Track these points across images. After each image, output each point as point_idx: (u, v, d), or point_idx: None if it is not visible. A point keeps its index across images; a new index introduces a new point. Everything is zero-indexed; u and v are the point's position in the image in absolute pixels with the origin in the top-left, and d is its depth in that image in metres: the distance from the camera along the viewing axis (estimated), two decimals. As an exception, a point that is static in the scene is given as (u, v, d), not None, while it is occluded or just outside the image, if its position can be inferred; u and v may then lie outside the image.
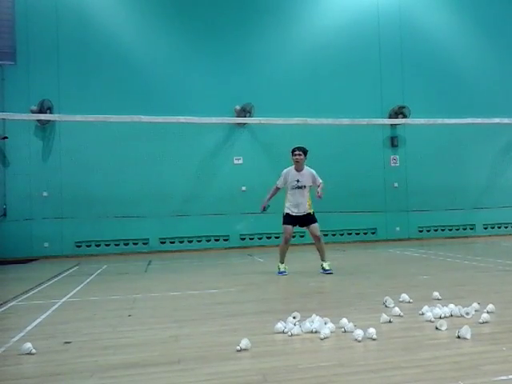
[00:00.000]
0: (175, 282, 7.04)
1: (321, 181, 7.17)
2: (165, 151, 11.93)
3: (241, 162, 12.51)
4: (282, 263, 7.26)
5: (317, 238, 7.18)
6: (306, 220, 7.15)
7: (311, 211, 7.16)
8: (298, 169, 7.14)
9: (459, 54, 13.97)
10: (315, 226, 7.14)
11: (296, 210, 7.12)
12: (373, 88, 13.19)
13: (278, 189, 7.28)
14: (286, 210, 7.16)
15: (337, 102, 12.59)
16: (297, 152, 7.09)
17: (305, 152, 7.13)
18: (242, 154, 12.50)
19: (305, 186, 7.10)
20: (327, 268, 7.10)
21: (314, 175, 7.19)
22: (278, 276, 7.03)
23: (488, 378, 2.69)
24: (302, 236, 11.74)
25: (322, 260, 7.22)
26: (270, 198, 7.26)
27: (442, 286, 5.42)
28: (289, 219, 7.15)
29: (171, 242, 12.12)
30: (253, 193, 12.28)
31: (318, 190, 7.06)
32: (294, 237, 7.54)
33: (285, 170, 7.24)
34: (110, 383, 2.83)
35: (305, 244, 11.74)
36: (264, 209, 7.26)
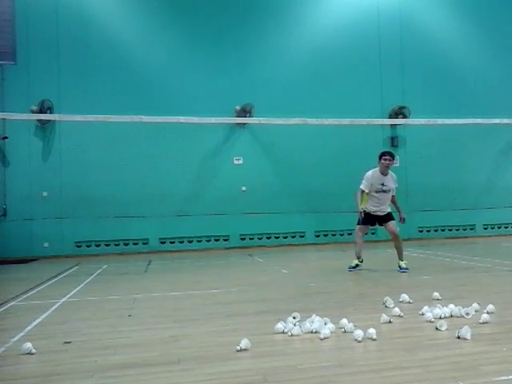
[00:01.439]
0: (175, 281, 7.04)
1: (396, 185, 7.23)
2: (165, 151, 11.92)
3: (241, 162, 12.50)
4: (358, 258, 7.30)
5: (394, 236, 7.18)
6: (384, 218, 7.15)
7: (389, 210, 7.21)
8: (384, 173, 7.12)
9: (459, 54, 13.96)
10: (393, 223, 7.14)
11: (377, 210, 7.13)
12: (373, 88, 13.17)
13: (363, 192, 7.12)
14: (366, 209, 7.10)
15: (337, 101, 12.58)
16: (388, 157, 7.09)
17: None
18: (241, 154, 12.48)
19: (389, 190, 7.11)
20: (404, 266, 7.03)
21: (395, 179, 7.23)
22: (277, 276, 7.02)
23: (488, 378, 2.70)
24: (302, 236, 11.75)
25: (400, 259, 7.15)
26: (361, 203, 7.10)
27: (441, 287, 5.42)
28: (366, 219, 7.12)
29: (171, 242, 12.11)
30: (253, 193, 12.29)
31: (402, 215, 7.18)
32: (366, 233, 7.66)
33: (369, 173, 7.16)
34: (110, 383, 2.83)
35: (305, 244, 11.76)
36: (363, 214, 7.12)
